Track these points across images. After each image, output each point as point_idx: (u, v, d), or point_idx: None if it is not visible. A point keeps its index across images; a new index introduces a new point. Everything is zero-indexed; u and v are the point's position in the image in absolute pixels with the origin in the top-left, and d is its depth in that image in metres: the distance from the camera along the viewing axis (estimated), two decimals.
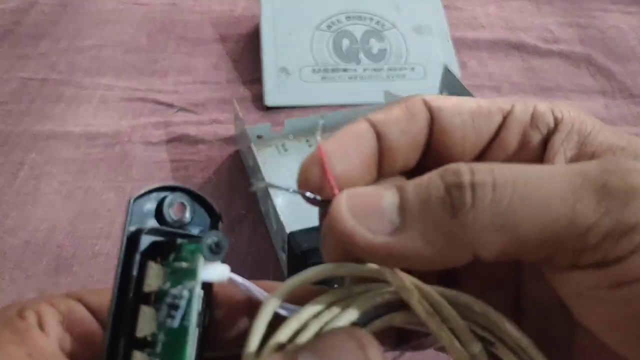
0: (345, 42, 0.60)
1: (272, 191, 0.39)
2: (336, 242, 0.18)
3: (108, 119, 0.54)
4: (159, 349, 0.17)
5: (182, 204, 0.19)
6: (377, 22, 0.62)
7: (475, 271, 0.19)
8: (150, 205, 0.18)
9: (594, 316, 0.15)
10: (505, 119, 0.19)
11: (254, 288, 0.18)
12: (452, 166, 0.16)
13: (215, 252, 0.17)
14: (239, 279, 0.18)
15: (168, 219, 0.18)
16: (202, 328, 0.18)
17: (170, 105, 0.56)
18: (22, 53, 0.63)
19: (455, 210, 0.15)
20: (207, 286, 0.18)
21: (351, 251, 0.16)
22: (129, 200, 0.17)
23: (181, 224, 0.19)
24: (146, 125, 0.53)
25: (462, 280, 0.20)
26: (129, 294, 0.17)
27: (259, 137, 0.49)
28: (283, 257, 0.39)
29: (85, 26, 0.68)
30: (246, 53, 0.63)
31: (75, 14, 0.70)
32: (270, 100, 0.56)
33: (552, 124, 0.19)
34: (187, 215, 0.19)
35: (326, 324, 0.17)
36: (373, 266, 0.18)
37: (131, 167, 0.49)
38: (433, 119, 0.19)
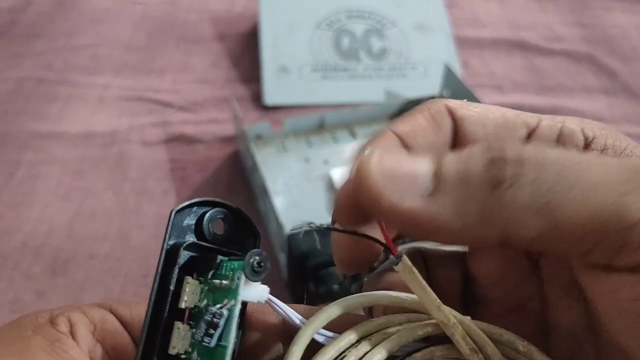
0: (346, 41, 0.60)
1: (271, 191, 0.38)
2: (351, 207, 0.16)
3: (105, 118, 0.54)
4: None
5: (222, 220, 0.18)
6: (378, 21, 0.62)
7: (498, 291, 0.19)
8: (189, 219, 0.18)
9: (623, 327, 0.15)
10: (530, 134, 0.18)
11: (292, 312, 0.18)
12: (500, 140, 0.15)
13: (257, 272, 0.16)
14: (277, 301, 0.17)
15: (207, 234, 0.18)
16: (235, 349, 0.17)
17: (169, 105, 0.55)
18: (18, 52, 0.62)
19: (494, 184, 0.14)
20: (242, 306, 0.17)
21: (372, 215, 0.15)
22: (171, 213, 0.17)
23: (219, 240, 0.18)
24: (144, 124, 0.53)
25: (486, 301, 0.19)
26: (165, 309, 0.17)
27: (258, 136, 0.48)
28: (282, 258, 0.38)
29: (82, 25, 0.67)
30: (245, 52, 0.63)
31: (72, 13, 0.69)
32: (269, 99, 0.55)
33: (581, 143, 0.18)
34: (227, 231, 0.19)
35: (364, 354, 0.17)
36: (415, 298, 0.17)
37: (129, 167, 0.48)
38: (456, 127, 0.18)
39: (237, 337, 0.17)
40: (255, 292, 0.17)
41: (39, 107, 0.55)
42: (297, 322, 0.17)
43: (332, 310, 0.17)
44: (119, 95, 0.57)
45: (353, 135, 0.50)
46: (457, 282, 0.19)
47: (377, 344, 0.17)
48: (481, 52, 0.64)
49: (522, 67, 0.62)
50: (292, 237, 0.35)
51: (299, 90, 0.56)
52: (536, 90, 0.59)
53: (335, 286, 0.35)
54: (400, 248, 0.17)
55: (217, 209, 0.18)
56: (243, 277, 0.16)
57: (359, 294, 0.18)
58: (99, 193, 0.46)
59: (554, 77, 0.61)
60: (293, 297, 0.38)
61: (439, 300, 0.17)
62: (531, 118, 0.18)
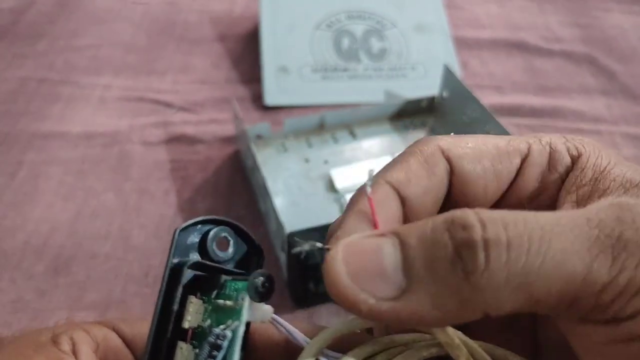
0: (346, 42, 0.60)
1: (271, 191, 0.38)
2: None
3: (107, 118, 0.54)
4: None
5: (226, 238, 0.18)
6: (378, 22, 0.62)
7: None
8: (193, 237, 0.18)
9: None
10: (523, 162, 0.19)
11: (295, 332, 0.18)
12: (458, 217, 0.14)
13: (261, 293, 0.16)
14: (281, 320, 0.17)
15: (211, 253, 0.18)
16: None
17: (169, 105, 0.56)
18: (20, 52, 0.62)
19: (467, 273, 0.14)
20: (245, 326, 0.17)
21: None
22: (175, 232, 0.17)
23: (223, 259, 0.18)
24: (145, 125, 0.53)
25: (479, 323, 0.20)
26: (168, 328, 0.17)
27: (258, 136, 0.49)
28: (282, 257, 0.38)
29: (83, 25, 0.67)
30: (245, 52, 0.63)
31: (73, 13, 0.69)
32: (269, 99, 0.55)
33: (569, 163, 0.19)
34: (230, 250, 0.18)
35: None
36: None
37: (130, 167, 0.49)
38: (452, 169, 0.18)
39: (240, 358, 0.17)
40: (259, 312, 0.17)
41: (40, 107, 0.55)
42: (301, 341, 0.17)
43: (335, 330, 0.17)
44: (120, 95, 0.57)
45: (353, 135, 0.51)
46: None
47: None
48: (480, 53, 0.64)
49: (521, 67, 0.62)
50: (292, 236, 0.35)
51: (299, 91, 0.57)
52: (535, 90, 0.59)
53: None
54: None
55: (222, 227, 0.18)
56: (247, 298, 0.16)
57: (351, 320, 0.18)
58: (100, 193, 0.46)
59: (553, 77, 0.61)
60: (293, 296, 0.38)
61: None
62: (522, 144, 0.19)
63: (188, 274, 0.17)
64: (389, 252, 0.14)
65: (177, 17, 0.69)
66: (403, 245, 0.14)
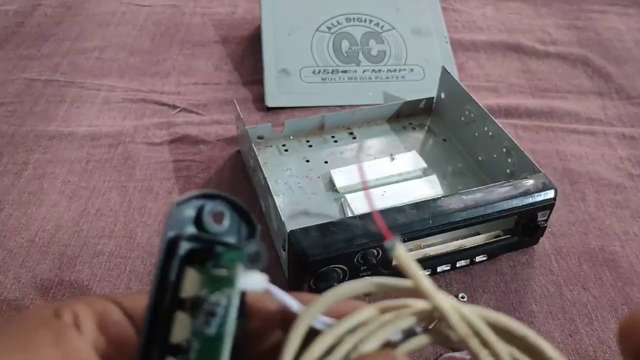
0: (345, 44, 0.61)
1: (272, 190, 0.39)
2: None
3: (111, 119, 0.55)
4: (193, 355, 0.17)
5: (221, 213, 0.19)
6: (377, 24, 0.63)
7: None
8: (190, 211, 0.18)
9: None
10: None
11: (290, 300, 0.18)
12: None
13: (254, 262, 0.17)
14: (275, 289, 0.18)
15: (207, 226, 0.18)
16: (236, 337, 0.18)
17: (173, 106, 0.56)
18: (26, 54, 0.63)
19: None
20: (241, 295, 0.18)
21: None
22: (172, 206, 0.17)
23: (219, 232, 0.18)
24: (149, 125, 0.54)
25: None
26: (166, 299, 0.17)
27: (259, 137, 0.49)
28: (284, 255, 0.39)
29: (88, 28, 0.68)
30: (247, 54, 0.64)
31: (78, 16, 0.70)
32: (271, 101, 0.56)
33: None
34: (226, 223, 0.19)
35: (360, 340, 0.17)
36: (412, 284, 0.18)
37: (134, 167, 0.50)
38: None
39: (238, 325, 0.18)
40: (253, 281, 0.17)
41: (46, 108, 0.56)
42: (296, 309, 0.18)
43: (330, 297, 0.18)
44: (124, 97, 0.58)
45: (352, 136, 0.51)
46: None
47: (374, 331, 0.17)
48: (477, 55, 0.65)
49: (517, 69, 0.63)
50: (292, 235, 0.36)
51: (299, 93, 0.57)
52: (531, 92, 0.60)
53: (336, 283, 0.36)
54: (394, 235, 0.18)
55: (218, 201, 0.18)
56: (240, 267, 0.17)
57: (357, 279, 0.19)
58: (105, 192, 0.47)
59: (549, 79, 0.62)
60: None
61: (433, 285, 0.18)
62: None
63: (184, 247, 0.17)
64: None
65: (180, 20, 0.70)
66: None
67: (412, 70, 0.60)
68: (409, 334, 0.18)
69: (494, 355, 0.17)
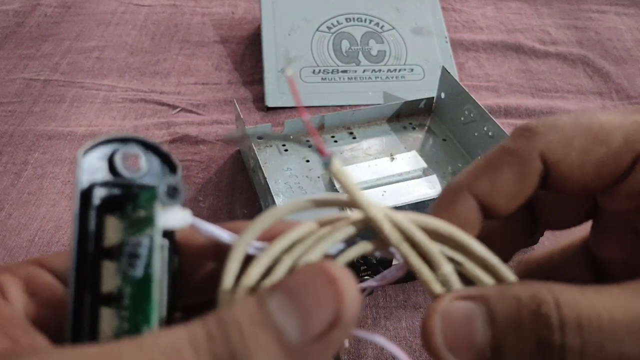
0: (345, 44, 0.61)
1: (272, 190, 0.39)
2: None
3: (111, 119, 0.55)
4: (126, 301, 0.16)
5: (135, 155, 0.18)
6: (377, 24, 0.63)
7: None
8: (102, 158, 0.17)
9: None
10: (636, 161, 0.17)
11: (219, 231, 0.17)
12: (541, 310, 0.15)
13: (172, 196, 0.16)
14: (201, 222, 0.17)
15: (122, 171, 0.17)
16: (172, 277, 0.17)
17: (173, 106, 0.56)
18: (25, 54, 0.63)
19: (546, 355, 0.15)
20: (170, 234, 0.17)
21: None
22: (78, 154, 0.17)
23: (136, 176, 0.18)
24: (148, 125, 0.54)
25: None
26: (89, 250, 0.16)
27: (259, 137, 0.49)
28: None
29: (88, 27, 0.68)
30: (247, 54, 0.64)
31: (78, 16, 0.70)
32: (271, 101, 0.56)
33: None
34: (143, 165, 0.18)
35: (299, 257, 0.17)
36: (343, 196, 0.18)
37: None
38: (550, 173, 0.18)
39: (170, 263, 0.17)
40: (176, 217, 0.16)
41: (45, 108, 0.56)
42: (227, 239, 0.17)
43: (263, 221, 0.17)
44: (123, 96, 0.58)
45: (352, 136, 0.51)
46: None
47: (312, 245, 0.17)
48: (477, 55, 0.65)
49: (517, 69, 0.63)
50: None
51: (299, 92, 0.57)
52: (531, 92, 0.60)
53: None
54: (330, 151, 0.17)
55: (130, 144, 0.17)
56: (159, 203, 0.16)
57: (293, 200, 0.18)
58: None
59: (549, 79, 0.62)
60: None
61: (367, 196, 0.18)
62: (636, 144, 0.17)
63: (99, 194, 0.17)
64: (480, 327, 0.16)
65: (180, 19, 0.70)
66: (493, 323, 0.16)
67: (412, 70, 0.60)
68: (349, 244, 0.18)
69: (424, 255, 0.17)
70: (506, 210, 0.18)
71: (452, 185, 0.19)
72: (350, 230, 0.18)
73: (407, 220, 0.18)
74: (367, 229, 0.18)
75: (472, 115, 0.48)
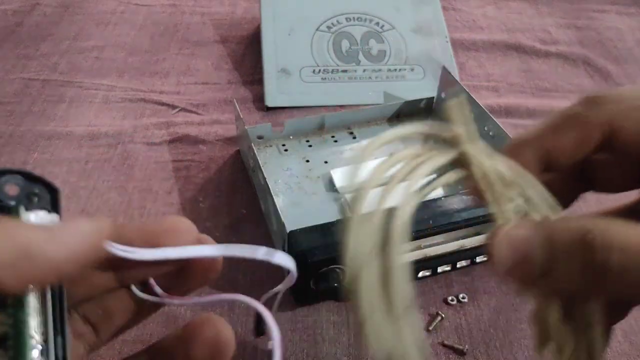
0: (345, 43, 0.61)
1: (272, 190, 0.39)
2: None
3: (110, 119, 0.55)
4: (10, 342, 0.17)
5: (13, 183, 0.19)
6: (377, 23, 0.63)
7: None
8: None
9: None
10: None
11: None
12: (585, 229, 0.17)
13: (30, 201, 0.18)
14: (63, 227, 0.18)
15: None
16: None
17: (172, 106, 0.56)
18: (24, 54, 0.63)
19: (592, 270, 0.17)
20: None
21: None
22: None
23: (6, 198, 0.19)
24: (148, 125, 0.54)
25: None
26: None
27: (259, 137, 0.49)
28: None
29: (87, 27, 0.68)
30: (247, 54, 0.64)
31: (77, 15, 0.70)
32: (270, 100, 0.56)
33: None
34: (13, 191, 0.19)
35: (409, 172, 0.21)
36: (451, 132, 0.21)
37: (133, 167, 0.49)
38: (613, 137, 0.20)
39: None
40: (42, 220, 0.18)
41: (44, 108, 0.56)
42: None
43: (383, 138, 0.21)
44: (123, 96, 0.58)
45: (352, 135, 0.51)
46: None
47: (416, 167, 0.21)
48: (478, 54, 0.65)
49: (518, 68, 0.63)
50: (292, 235, 0.36)
51: (299, 92, 0.57)
52: (532, 91, 0.60)
53: (337, 284, 0.36)
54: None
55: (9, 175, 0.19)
56: (22, 206, 0.18)
57: (402, 126, 0.22)
58: (104, 192, 0.47)
59: (550, 78, 0.62)
60: (294, 294, 0.39)
61: (476, 135, 0.21)
62: None
63: None
64: (535, 249, 0.18)
65: (180, 19, 0.70)
66: (547, 247, 0.18)
67: (412, 69, 0.60)
68: (444, 171, 0.21)
69: (496, 193, 0.21)
70: (563, 166, 0.21)
71: (518, 138, 0.22)
72: (443, 160, 0.21)
73: (489, 163, 0.21)
74: (458, 163, 0.21)
75: (473, 114, 0.48)
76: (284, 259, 0.22)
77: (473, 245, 0.41)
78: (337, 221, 0.37)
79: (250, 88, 0.59)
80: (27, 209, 0.18)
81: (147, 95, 0.58)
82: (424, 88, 0.57)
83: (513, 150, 0.21)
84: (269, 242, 0.43)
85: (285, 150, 0.49)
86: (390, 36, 0.62)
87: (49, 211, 0.18)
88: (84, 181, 0.48)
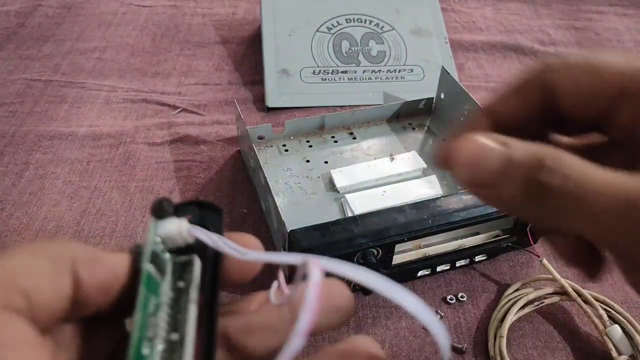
0: (345, 44, 0.61)
1: (273, 190, 0.39)
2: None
3: (112, 119, 0.55)
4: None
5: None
6: (376, 25, 0.63)
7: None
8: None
9: None
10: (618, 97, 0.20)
11: (222, 240, 0.19)
12: (541, 153, 0.18)
13: (156, 209, 0.19)
14: (199, 230, 0.19)
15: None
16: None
17: (173, 107, 0.57)
18: (26, 54, 0.64)
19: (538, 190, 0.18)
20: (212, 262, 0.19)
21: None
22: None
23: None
24: (149, 126, 0.54)
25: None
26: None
27: (260, 137, 0.50)
28: None
29: (89, 28, 0.68)
30: (248, 55, 0.64)
31: (79, 16, 0.71)
32: (271, 101, 0.56)
33: None
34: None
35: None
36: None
37: (135, 168, 0.50)
38: (553, 95, 0.20)
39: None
40: (170, 227, 0.18)
41: (46, 108, 0.56)
42: (227, 250, 0.19)
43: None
44: (124, 97, 0.58)
45: (352, 136, 0.52)
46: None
47: None
48: (477, 55, 0.65)
49: (516, 69, 0.63)
50: (292, 234, 0.36)
51: (300, 93, 0.58)
52: None
53: None
54: None
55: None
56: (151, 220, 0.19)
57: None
58: (106, 192, 0.48)
59: None
60: None
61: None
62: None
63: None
64: (492, 159, 0.19)
65: (181, 20, 0.70)
66: (505, 163, 0.18)
67: (411, 70, 0.60)
68: None
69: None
70: (518, 128, 0.21)
71: (476, 112, 0.22)
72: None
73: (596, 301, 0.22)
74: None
75: (471, 115, 0.48)
76: (437, 328, 0.17)
77: (472, 245, 0.41)
78: (337, 221, 0.37)
79: (251, 89, 0.59)
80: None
81: (148, 96, 0.58)
82: (423, 89, 0.57)
83: (472, 123, 0.22)
84: (269, 242, 0.43)
85: (286, 150, 0.50)
86: (390, 37, 0.62)
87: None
88: (86, 181, 0.48)
